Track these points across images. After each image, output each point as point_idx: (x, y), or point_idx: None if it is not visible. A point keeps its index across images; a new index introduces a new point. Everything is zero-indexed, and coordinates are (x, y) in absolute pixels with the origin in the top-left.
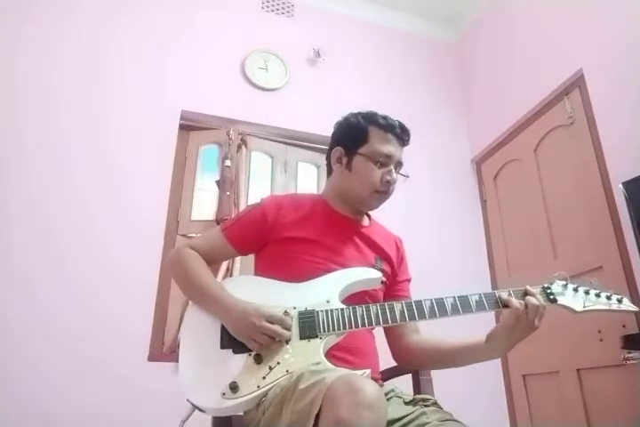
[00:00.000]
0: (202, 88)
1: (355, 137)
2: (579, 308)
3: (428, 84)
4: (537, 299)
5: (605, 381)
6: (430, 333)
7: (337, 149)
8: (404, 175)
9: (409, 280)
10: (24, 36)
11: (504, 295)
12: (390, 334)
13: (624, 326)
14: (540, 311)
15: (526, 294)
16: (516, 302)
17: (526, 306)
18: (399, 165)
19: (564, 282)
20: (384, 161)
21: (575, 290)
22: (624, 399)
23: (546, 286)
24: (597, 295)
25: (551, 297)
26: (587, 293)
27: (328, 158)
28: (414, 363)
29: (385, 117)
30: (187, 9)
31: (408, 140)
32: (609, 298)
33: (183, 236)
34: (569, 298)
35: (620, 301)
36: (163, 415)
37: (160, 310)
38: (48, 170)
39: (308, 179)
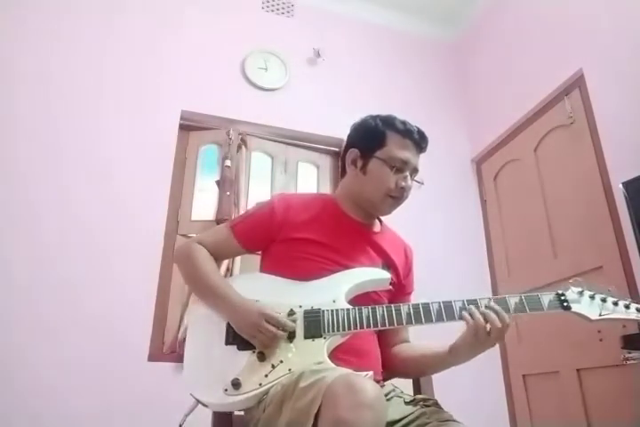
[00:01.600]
0: (202, 88)
1: (372, 140)
2: (594, 316)
3: (428, 83)
4: (503, 318)
5: (605, 381)
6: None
7: (352, 151)
8: (418, 182)
9: (411, 293)
10: (21, 36)
11: (513, 301)
12: (382, 342)
13: (624, 326)
14: (504, 331)
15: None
16: (472, 322)
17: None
18: (415, 171)
19: (579, 289)
20: (400, 166)
21: (592, 297)
22: (624, 399)
23: (560, 292)
24: (615, 304)
25: (565, 304)
26: (604, 300)
27: (342, 160)
28: (397, 372)
29: (404, 122)
30: (187, 9)
31: (426, 146)
32: (627, 307)
33: (183, 236)
34: (584, 306)
35: (639, 310)
36: (163, 415)
37: (160, 310)
38: (46, 170)
39: (308, 179)
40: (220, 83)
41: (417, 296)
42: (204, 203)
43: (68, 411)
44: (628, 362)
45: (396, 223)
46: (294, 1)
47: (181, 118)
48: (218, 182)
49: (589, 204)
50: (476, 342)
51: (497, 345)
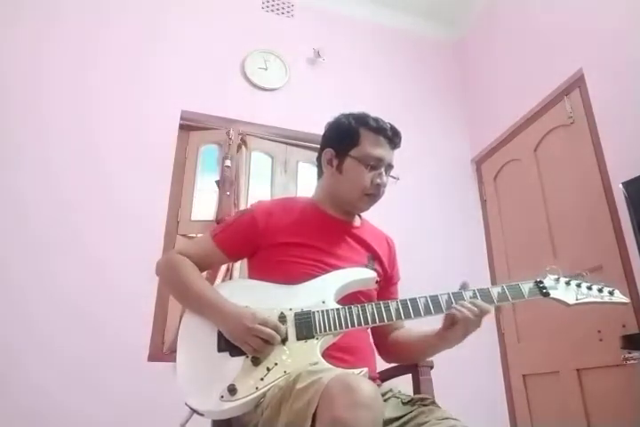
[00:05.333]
0: (202, 88)
1: (346, 139)
2: (571, 301)
3: (428, 83)
4: (481, 308)
5: (605, 381)
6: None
7: (328, 151)
8: (394, 177)
9: (397, 282)
10: (22, 35)
11: (495, 291)
12: (375, 333)
13: (624, 326)
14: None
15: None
16: (460, 316)
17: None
18: (389, 167)
19: (556, 276)
20: (375, 164)
21: (567, 283)
22: (624, 399)
23: (538, 280)
24: (589, 288)
25: (544, 291)
26: (579, 286)
27: (319, 160)
28: (394, 358)
29: (376, 120)
30: (187, 9)
31: (399, 142)
32: (600, 291)
33: (183, 236)
34: (561, 291)
35: (611, 293)
36: (163, 415)
37: (160, 309)
38: (45, 170)
39: (308, 179)
40: (220, 83)
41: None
42: (204, 203)
43: (67, 411)
44: (628, 362)
45: (397, 223)
46: (294, 1)
47: (181, 118)
48: (218, 182)
49: (589, 204)
50: (466, 331)
51: (497, 346)
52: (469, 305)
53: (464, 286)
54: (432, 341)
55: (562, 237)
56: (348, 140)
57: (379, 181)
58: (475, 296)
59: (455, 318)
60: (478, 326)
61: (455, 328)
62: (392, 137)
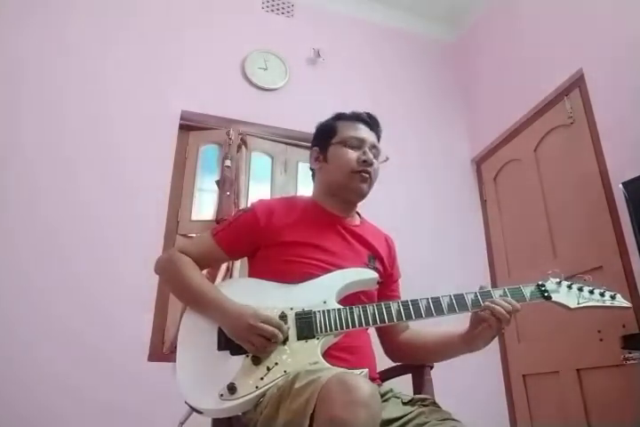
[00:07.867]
0: (202, 88)
1: (325, 133)
2: (573, 304)
3: (428, 83)
4: (513, 305)
5: (605, 381)
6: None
7: (313, 150)
8: (383, 160)
9: (398, 280)
10: (25, 35)
11: (497, 293)
12: (383, 331)
13: (624, 326)
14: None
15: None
16: (493, 319)
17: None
18: (374, 148)
19: (557, 279)
20: (356, 144)
21: (569, 287)
22: (624, 399)
23: (540, 283)
24: (591, 292)
25: (545, 294)
26: (580, 289)
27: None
28: (405, 358)
29: (352, 111)
30: (187, 9)
31: (378, 125)
32: (602, 295)
33: (183, 236)
34: (563, 295)
35: (613, 297)
36: (162, 415)
37: (160, 309)
38: (47, 169)
39: (308, 179)
40: (220, 83)
41: (417, 296)
42: (204, 203)
43: (67, 411)
44: (628, 362)
45: (397, 223)
46: (294, 1)
47: (181, 118)
48: (218, 182)
49: (589, 204)
50: (496, 332)
51: (497, 346)
52: (502, 301)
53: (481, 289)
54: (455, 343)
55: (562, 237)
56: (327, 133)
57: (364, 157)
58: (476, 298)
59: (486, 316)
60: (507, 324)
61: (484, 327)
62: (368, 119)
